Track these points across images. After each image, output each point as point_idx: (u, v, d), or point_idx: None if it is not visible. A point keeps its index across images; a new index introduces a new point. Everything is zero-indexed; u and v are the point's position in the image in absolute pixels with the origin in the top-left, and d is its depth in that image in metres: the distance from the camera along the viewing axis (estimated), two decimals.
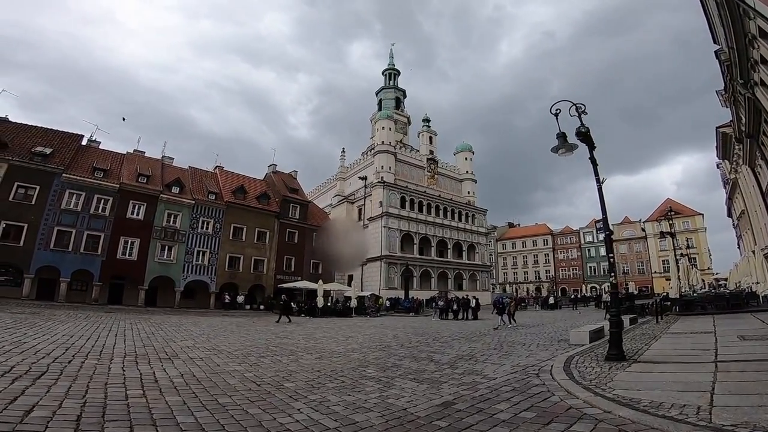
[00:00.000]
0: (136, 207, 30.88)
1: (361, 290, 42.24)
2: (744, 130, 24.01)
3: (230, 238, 34.20)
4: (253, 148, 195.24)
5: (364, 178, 48.40)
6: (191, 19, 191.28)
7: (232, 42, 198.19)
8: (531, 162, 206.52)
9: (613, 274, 7.33)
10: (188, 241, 32.39)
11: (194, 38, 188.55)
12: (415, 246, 48.59)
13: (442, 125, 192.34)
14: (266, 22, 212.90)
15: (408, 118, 65.60)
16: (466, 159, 60.81)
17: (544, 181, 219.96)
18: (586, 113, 7.56)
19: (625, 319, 15.25)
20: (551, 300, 38.36)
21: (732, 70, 20.43)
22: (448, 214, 53.33)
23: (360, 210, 51.41)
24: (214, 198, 34.30)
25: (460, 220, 54.67)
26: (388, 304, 37.97)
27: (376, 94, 68.98)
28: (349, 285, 39.42)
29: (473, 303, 25.15)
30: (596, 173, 7.32)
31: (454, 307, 25.27)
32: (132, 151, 35.60)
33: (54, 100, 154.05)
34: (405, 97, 68.84)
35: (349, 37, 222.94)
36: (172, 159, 37.32)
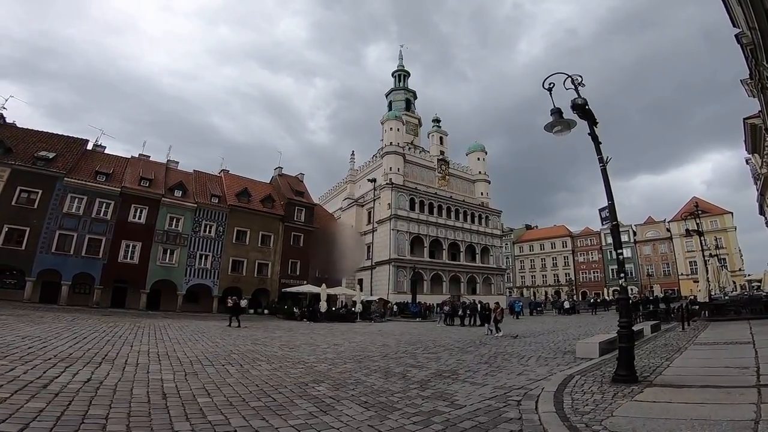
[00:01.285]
0: (138, 211, 30.59)
1: (371, 294, 41.19)
2: None
3: (233, 241, 33.56)
4: (274, 155, 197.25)
5: (373, 181, 47.47)
6: (210, 25, 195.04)
7: (250, 48, 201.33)
8: (553, 163, 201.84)
9: (622, 274, 5.92)
10: (190, 245, 31.89)
11: (213, 45, 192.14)
12: (425, 249, 47.12)
13: (462, 127, 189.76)
14: (283, 28, 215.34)
15: (419, 119, 64.35)
16: (478, 159, 59.06)
17: (566, 182, 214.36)
18: (584, 85, 6.22)
19: (646, 326, 13.62)
20: (567, 304, 36.18)
21: (756, 54, 18.52)
22: (460, 215, 51.66)
23: (369, 213, 50.40)
24: (217, 201, 33.79)
25: (473, 221, 52.90)
26: (395, 308, 36.63)
27: (386, 96, 68.02)
28: (360, 289, 38.25)
29: (479, 308, 23.53)
30: (598, 152, 5.99)
31: (460, 312, 23.77)
32: (137, 156, 35.50)
33: (82, 109, 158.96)
34: (416, 98, 67.63)
35: (366, 40, 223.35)
36: (177, 163, 37.11)
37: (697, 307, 22.75)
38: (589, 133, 6.02)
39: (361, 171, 57.93)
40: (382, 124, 53.87)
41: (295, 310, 28.96)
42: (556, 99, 6.16)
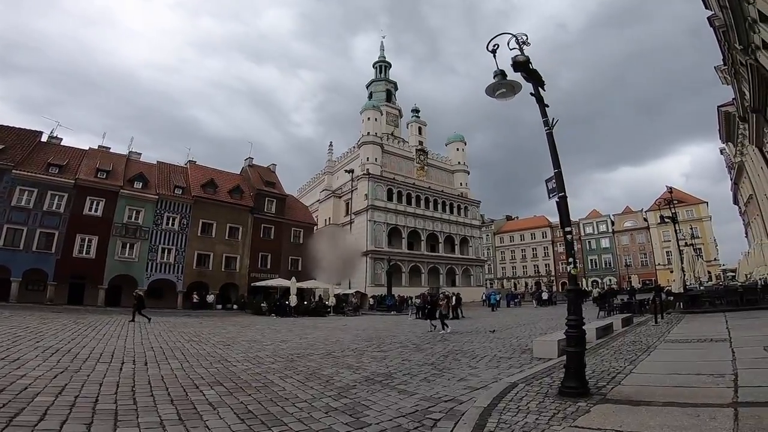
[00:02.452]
0: (94, 203, 28.88)
1: (349, 287, 40.05)
2: (749, 104, 21.38)
3: (199, 234, 32.01)
4: (258, 148, 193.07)
5: (351, 171, 46.13)
6: (192, 17, 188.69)
7: (234, 40, 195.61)
8: (537, 155, 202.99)
9: (571, 260, 4.92)
10: (152, 238, 30.26)
11: (196, 37, 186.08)
12: (403, 240, 46.22)
13: (450, 120, 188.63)
14: (268, 19, 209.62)
15: (399, 110, 63.03)
16: (458, 150, 58.21)
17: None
18: (529, 44, 5.24)
19: (617, 319, 12.80)
20: (544, 296, 35.72)
21: (729, 36, 17.84)
22: (439, 206, 50.86)
23: (347, 204, 49.18)
24: (181, 193, 32.08)
25: (451, 212, 52.19)
26: (371, 301, 35.74)
27: (367, 87, 66.38)
28: (338, 283, 37.05)
29: (453, 300, 22.67)
30: (544, 114, 5.00)
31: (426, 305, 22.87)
32: (96, 147, 33.45)
33: (56, 103, 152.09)
34: (397, 89, 66.24)
35: (355, 32, 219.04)
36: (140, 154, 35.23)
37: (671, 298, 22.28)
38: (532, 94, 5.01)
39: (339, 162, 56.55)
40: (361, 114, 52.42)
41: (262, 304, 27.71)
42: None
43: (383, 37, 71.97)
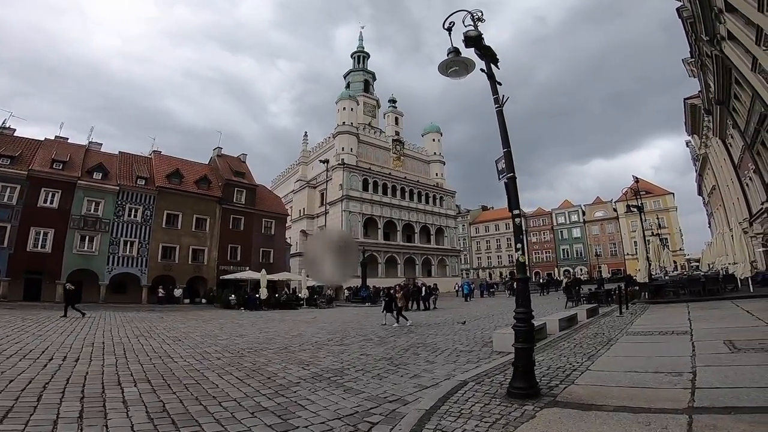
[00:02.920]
0: (50, 195, 27.27)
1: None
2: (713, 96, 21.76)
3: (163, 226, 30.72)
4: (234, 138, 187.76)
5: (326, 161, 45.13)
6: (165, 6, 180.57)
7: (209, 29, 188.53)
8: (515, 147, 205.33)
9: (519, 246, 4.62)
10: (113, 231, 28.85)
11: (169, 27, 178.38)
12: (379, 230, 45.92)
13: (431, 112, 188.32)
14: (246, 8, 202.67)
15: (377, 101, 62.24)
16: (434, 140, 58.07)
17: (526, 165, 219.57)
18: (484, 20, 4.89)
19: (582, 310, 12.77)
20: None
21: (696, 27, 18.00)
22: (415, 196, 50.72)
23: (322, 195, 48.34)
24: (143, 183, 30.64)
25: (427, 202, 52.16)
26: (346, 293, 35.36)
27: (345, 77, 65.23)
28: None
29: (424, 291, 22.55)
30: (495, 91, 4.67)
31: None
32: (54, 138, 31.51)
33: (20, 94, 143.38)
34: (375, 80, 65.36)
35: (336, 22, 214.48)
36: (100, 145, 33.45)
37: (637, 288, 22.63)
38: (483, 70, 4.65)
39: (314, 152, 55.53)
40: (336, 103, 51.43)
41: (230, 298, 26.92)
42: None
43: (362, 28, 71.65)
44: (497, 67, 4.82)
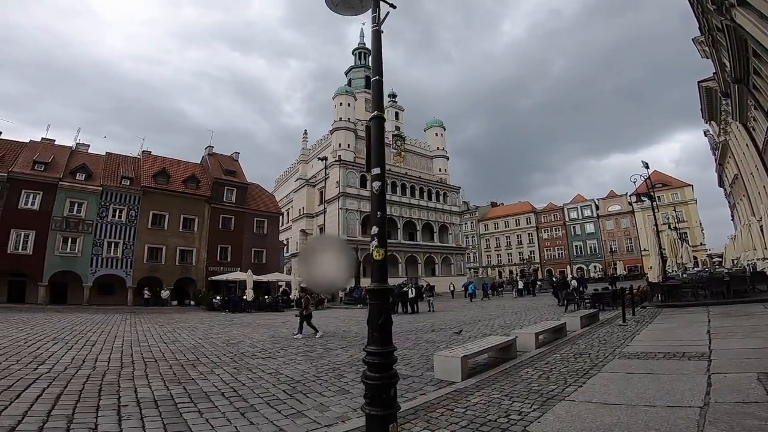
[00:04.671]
0: (31, 196, 26.74)
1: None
2: (730, 75, 19.51)
3: (149, 226, 29.92)
4: (246, 139, 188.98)
5: (324, 159, 43.81)
6: (174, 8, 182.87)
7: (219, 30, 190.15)
8: (532, 142, 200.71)
9: (375, 231, 3.12)
10: (96, 232, 28.17)
11: (178, 28, 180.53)
12: None
13: (442, 108, 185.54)
14: (255, 7, 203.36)
15: None
16: (437, 135, 56.24)
17: (543, 161, 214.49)
18: None
19: (574, 318, 10.45)
20: (520, 285, 34.04)
21: None
22: (416, 192, 48.98)
23: (321, 193, 47.13)
24: (128, 183, 29.89)
25: (429, 199, 50.37)
26: (341, 294, 33.95)
27: (346, 74, 63.92)
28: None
29: (412, 293, 20.94)
30: (375, 9, 3.15)
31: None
32: (40, 140, 31.08)
33: (36, 98, 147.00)
34: None
35: (347, 18, 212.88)
36: (87, 146, 32.98)
37: (648, 288, 20.32)
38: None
39: (314, 150, 54.39)
40: (333, 99, 50.17)
41: (214, 300, 25.91)
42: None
43: (362, 24, 69.50)
44: None
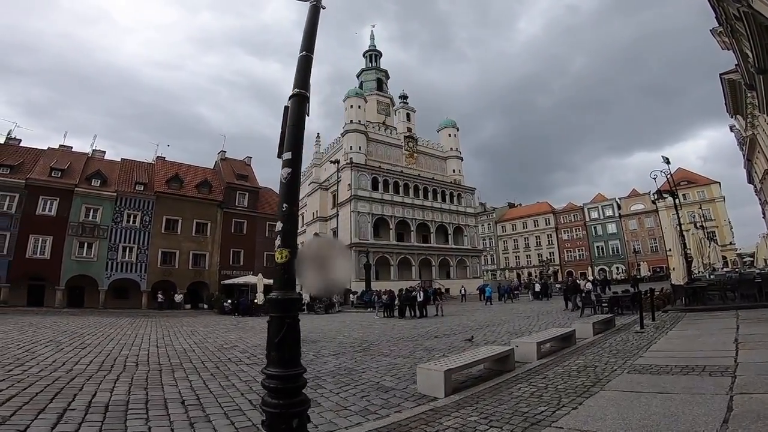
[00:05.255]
0: (48, 203, 27.46)
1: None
2: (753, 65, 18.31)
3: (162, 231, 30.28)
4: (264, 144, 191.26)
5: (336, 162, 43.87)
6: (190, 13, 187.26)
7: (234, 34, 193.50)
8: (552, 141, 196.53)
9: (284, 209, 2.71)
10: (111, 237, 28.67)
11: (195, 33, 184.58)
12: (391, 231, 43.86)
13: (459, 108, 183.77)
14: (270, 11, 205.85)
15: (391, 99, 60.31)
16: (450, 135, 55.39)
17: (564, 160, 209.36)
18: None
19: (586, 325, 9.81)
20: (537, 287, 32.90)
21: None
22: (430, 194, 48.26)
23: (334, 196, 47.00)
24: (142, 189, 30.34)
25: (443, 200, 49.54)
26: (352, 297, 33.63)
27: (357, 77, 63.82)
28: None
29: (421, 296, 20.36)
30: None
31: (396, 302, 20.65)
32: (57, 147, 31.98)
33: (59, 105, 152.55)
34: (388, 78, 63.57)
35: (362, 21, 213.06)
36: (104, 153, 33.78)
37: (670, 290, 19.10)
38: None
39: (326, 153, 54.36)
40: (344, 101, 50.06)
41: (224, 303, 25.96)
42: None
43: (372, 27, 69.72)
44: None
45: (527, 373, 5.90)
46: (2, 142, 30.08)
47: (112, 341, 10.79)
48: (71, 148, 32.31)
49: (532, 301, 30.91)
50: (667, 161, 20.60)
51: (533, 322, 14.35)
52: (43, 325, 14.61)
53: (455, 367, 5.32)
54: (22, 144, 30.74)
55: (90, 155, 32.22)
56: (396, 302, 20.84)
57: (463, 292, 33.50)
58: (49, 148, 30.99)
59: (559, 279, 57.12)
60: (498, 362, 6.29)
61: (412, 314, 20.12)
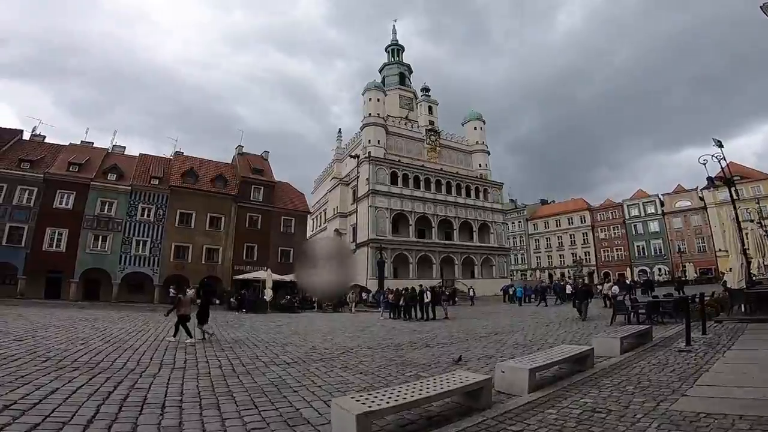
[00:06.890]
0: (65, 196, 27.91)
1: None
2: None
3: (176, 225, 30.14)
4: (298, 141, 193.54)
5: (356, 157, 42.82)
6: (223, 12, 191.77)
7: (266, 32, 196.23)
8: (593, 136, 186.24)
9: None
10: (125, 230, 28.75)
11: (229, 31, 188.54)
12: (410, 227, 42.18)
13: (494, 103, 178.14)
14: (301, 8, 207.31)
15: (414, 93, 58.68)
16: (475, 129, 52.94)
17: (608, 157, 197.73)
18: None
19: (613, 340, 7.57)
20: (568, 289, 30.18)
21: None
22: (453, 189, 46.10)
23: (354, 191, 45.94)
24: (157, 183, 30.32)
25: (468, 195, 47.27)
26: (364, 295, 32.31)
27: (380, 71, 62.60)
28: None
29: (428, 297, 18.67)
30: None
31: (401, 302, 19.06)
32: (79, 143, 32.59)
33: (104, 104, 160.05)
34: (411, 72, 61.99)
35: (392, 15, 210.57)
36: (123, 148, 34.10)
37: (723, 294, 16.28)
38: None
39: (347, 148, 53.39)
40: (363, 95, 48.90)
41: (231, 299, 25.37)
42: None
43: (394, 21, 68.16)
44: None
45: (498, 418, 3.98)
46: (27, 138, 30.89)
47: (94, 334, 9.88)
48: (92, 143, 32.83)
49: (558, 304, 28.17)
50: (720, 144, 17.61)
51: (550, 332, 12.32)
52: (41, 316, 14.16)
53: (378, 410, 3.46)
54: (51, 141, 31.49)
55: (110, 150, 32.58)
56: (401, 302, 19.23)
57: (471, 294, 31.00)
58: (70, 143, 31.58)
59: (595, 281, 53.36)
60: (469, 396, 4.58)
61: (419, 316, 18.52)
